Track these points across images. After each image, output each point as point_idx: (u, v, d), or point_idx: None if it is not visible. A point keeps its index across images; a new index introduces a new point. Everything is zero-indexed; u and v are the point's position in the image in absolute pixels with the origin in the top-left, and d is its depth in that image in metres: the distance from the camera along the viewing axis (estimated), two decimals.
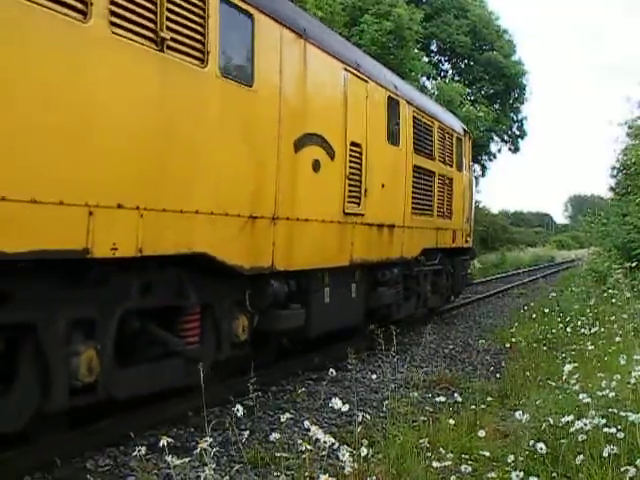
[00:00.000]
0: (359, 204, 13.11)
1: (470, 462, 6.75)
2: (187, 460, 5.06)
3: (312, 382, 11.77)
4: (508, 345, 14.57)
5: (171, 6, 7.81)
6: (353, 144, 12.79)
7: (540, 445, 6.01)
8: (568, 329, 14.09)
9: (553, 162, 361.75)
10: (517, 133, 61.43)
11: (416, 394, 8.71)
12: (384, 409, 9.28)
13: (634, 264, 17.01)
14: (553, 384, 9.40)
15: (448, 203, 19.49)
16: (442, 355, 14.94)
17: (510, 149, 60.28)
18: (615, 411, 6.58)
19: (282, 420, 6.05)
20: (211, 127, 8.71)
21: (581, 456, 5.87)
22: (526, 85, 59.73)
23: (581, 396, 6.86)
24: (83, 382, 7.08)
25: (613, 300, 15.09)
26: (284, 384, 11.48)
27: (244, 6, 9.36)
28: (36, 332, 6.65)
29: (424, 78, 48.39)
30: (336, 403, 5.83)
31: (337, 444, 5.33)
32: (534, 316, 17.70)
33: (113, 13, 6.95)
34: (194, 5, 8.23)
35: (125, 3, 7.12)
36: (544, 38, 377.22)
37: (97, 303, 7.42)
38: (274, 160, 10.15)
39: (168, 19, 7.79)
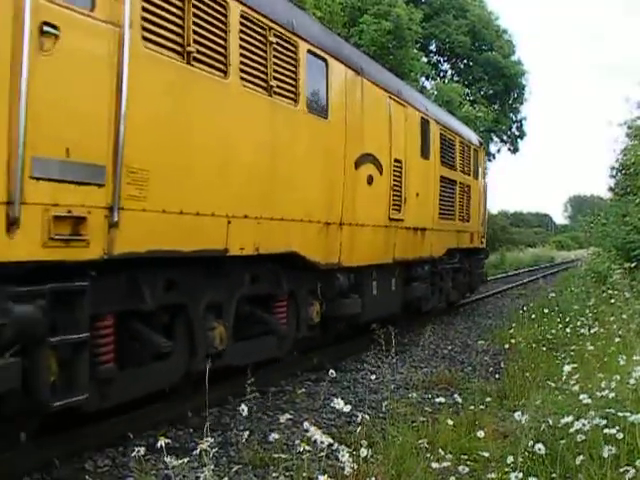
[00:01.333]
0: (400, 211, 15.53)
1: (469, 463, 6.76)
2: (186, 461, 5.06)
3: (311, 383, 11.76)
4: (507, 346, 14.55)
5: (276, 61, 10.37)
6: (396, 160, 15.27)
7: (539, 446, 6.00)
8: (567, 329, 14.09)
9: (553, 162, 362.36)
10: (516, 133, 61.45)
11: (415, 395, 8.73)
12: (383, 409, 9.28)
13: (634, 264, 17.03)
14: (552, 385, 9.39)
15: (467, 208, 22.08)
16: (441, 356, 14.94)
17: (510, 149, 60.32)
18: (614, 412, 6.57)
19: (281, 421, 6.05)
20: (301, 152, 11.17)
21: (580, 457, 5.86)
22: (525, 85, 59.79)
23: (581, 397, 6.85)
24: (216, 350, 9.35)
25: (613, 300, 15.07)
26: (283, 385, 11.48)
27: (321, 53, 11.96)
28: (187, 311, 8.92)
29: (423, 78, 48.42)
30: (338, 403, 5.83)
31: (336, 445, 5.33)
32: (533, 316, 17.69)
33: (242, 71, 9.42)
34: (291, 58, 10.88)
35: (249, 62, 9.65)
36: (544, 38, 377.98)
37: (224, 291, 9.76)
38: (341, 176, 12.63)
39: (275, 71, 10.29)
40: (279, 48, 10.52)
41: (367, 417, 6.82)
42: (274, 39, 10.34)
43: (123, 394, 7.93)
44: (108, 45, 7.00)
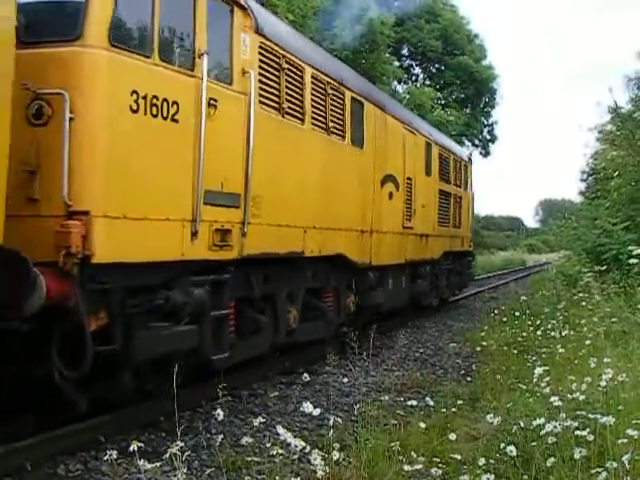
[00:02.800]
0: (410, 220, 19.05)
1: (441, 465, 6.76)
2: (158, 465, 5.05)
3: (284, 386, 11.77)
4: (479, 348, 14.62)
5: (332, 108, 13.68)
6: (408, 178, 18.83)
7: (511, 448, 6.03)
8: (538, 332, 14.16)
9: (524, 166, 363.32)
10: (488, 137, 61.66)
11: (387, 398, 8.75)
12: (355, 413, 9.27)
13: (604, 268, 17.13)
14: (524, 387, 9.44)
15: (459, 216, 25.85)
16: (413, 358, 14.98)
17: (481, 153, 60.49)
18: (585, 414, 6.61)
19: (254, 424, 6.04)
20: (346, 177, 14.44)
21: (552, 458, 5.89)
22: (497, 89, 60.07)
23: (552, 399, 6.90)
24: (291, 328, 12.38)
25: (583, 303, 15.16)
26: (255, 388, 11.47)
27: (360, 98, 15.30)
28: (274, 298, 11.89)
29: (395, 82, 48.48)
30: (308, 407, 5.83)
31: (309, 448, 5.33)
32: (505, 319, 17.76)
33: (312, 118, 12.75)
34: (340, 105, 14.17)
35: (316, 111, 12.97)
36: (515, 42, 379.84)
37: (296, 283, 12.77)
38: (371, 194, 15.99)
39: (330, 115, 13.59)
40: (333, 98, 13.82)
41: (339, 420, 6.83)
42: (330, 91, 13.67)
43: (237, 357, 10.51)
44: (241, 108, 10.14)
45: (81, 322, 7.41)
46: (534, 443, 6.54)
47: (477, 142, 60.55)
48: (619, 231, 21.15)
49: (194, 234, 8.95)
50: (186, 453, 5.36)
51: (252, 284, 11.00)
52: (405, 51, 55.41)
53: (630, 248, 15.37)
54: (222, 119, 9.51)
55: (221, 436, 6.70)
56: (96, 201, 7.59)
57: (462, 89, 55.55)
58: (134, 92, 8.01)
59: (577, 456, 5.72)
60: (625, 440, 5.84)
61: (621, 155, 26.25)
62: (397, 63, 50.73)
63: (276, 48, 11.45)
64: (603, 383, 7.41)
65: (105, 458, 5.46)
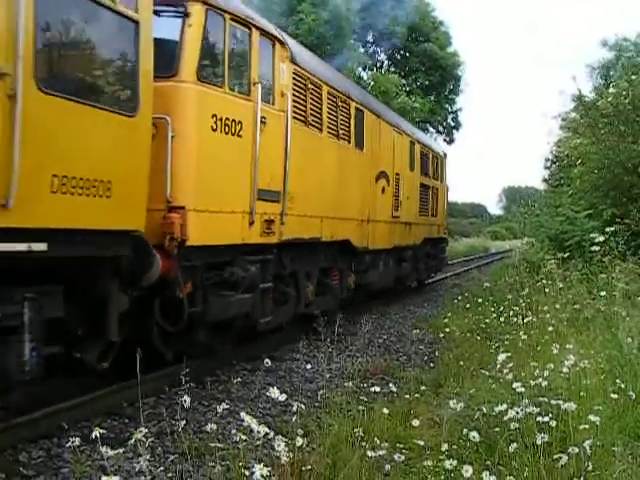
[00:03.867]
0: (398, 210, 21.85)
1: (404, 451, 6.81)
2: (121, 451, 5.01)
3: (247, 372, 11.76)
4: (442, 335, 14.67)
5: (341, 117, 16.42)
6: (396, 174, 21.66)
7: (474, 434, 6.05)
8: (501, 319, 14.23)
9: (488, 153, 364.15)
10: (452, 124, 61.72)
11: (351, 384, 8.73)
12: (319, 399, 9.29)
13: (566, 255, 17.22)
14: (487, 373, 9.49)
15: (435, 206, 28.61)
16: (377, 345, 15.01)
17: (445, 140, 60.51)
18: (547, 400, 6.65)
19: (217, 410, 6.02)
20: (351, 175, 17.17)
21: (514, 444, 5.92)
22: (461, 76, 60.11)
23: (514, 385, 6.93)
24: (309, 300, 14.92)
25: (546, 290, 15.23)
26: (219, 374, 11.44)
27: (361, 107, 18.12)
28: (297, 275, 14.45)
29: (360, 69, 48.47)
30: (273, 393, 5.82)
31: (272, 434, 5.32)
32: (468, 306, 17.84)
33: (327, 128, 15.53)
34: (346, 114, 16.90)
35: (330, 121, 15.69)
36: (479, 29, 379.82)
37: (312, 264, 15.35)
38: (369, 188, 18.89)
39: (340, 123, 16.35)
40: (342, 108, 16.58)
41: (303, 406, 6.82)
42: (340, 103, 16.43)
43: (273, 322, 12.99)
44: (281, 123, 12.89)
45: (179, 290, 9.95)
46: (497, 429, 6.58)
47: (441, 129, 60.64)
48: (582, 219, 21.29)
49: (251, 223, 11.79)
50: (149, 439, 5.33)
51: (284, 263, 13.63)
52: (370, 37, 55.35)
53: (592, 235, 15.47)
54: (269, 133, 12.22)
55: (184, 422, 6.68)
56: (189, 198, 10.11)
57: (427, 76, 55.50)
58: (214, 115, 10.67)
59: (539, 442, 5.76)
60: (587, 426, 5.89)
61: (584, 143, 26.36)
62: (362, 49, 50.74)
63: (304, 72, 14.25)
64: (565, 369, 7.47)
65: (68, 445, 5.44)
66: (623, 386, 7.48)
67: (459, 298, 19.81)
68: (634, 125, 22.11)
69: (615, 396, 7.16)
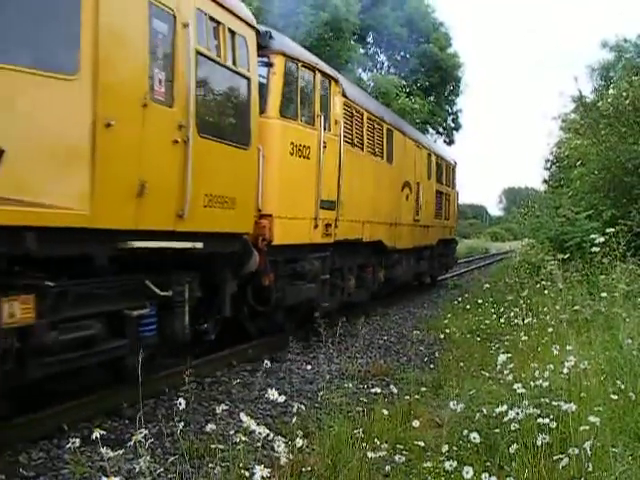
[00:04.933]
0: (418, 214, 24.69)
1: (404, 452, 6.80)
2: (121, 452, 5.01)
3: (247, 373, 11.75)
4: (442, 336, 14.66)
5: (376, 137, 19.50)
6: (417, 183, 24.56)
7: (474, 435, 6.05)
8: (502, 320, 14.24)
9: (488, 154, 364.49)
10: (452, 125, 61.72)
11: (351, 385, 8.72)
12: (319, 400, 9.29)
13: (567, 256, 17.19)
14: (487, 374, 9.49)
15: (448, 210, 31.62)
16: (377, 346, 15.00)
17: (445, 141, 60.50)
18: (548, 401, 6.65)
19: (217, 412, 6.02)
20: (383, 185, 20.13)
21: (514, 445, 5.92)
22: (461, 78, 60.11)
23: (515, 386, 6.92)
24: (351, 291, 17.78)
25: (546, 291, 15.23)
26: (219, 375, 11.44)
27: (392, 128, 21.24)
28: (342, 270, 17.11)
29: (360, 70, 48.46)
30: (272, 394, 5.81)
31: (272, 435, 5.32)
32: (468, 307, 17.86)
33: (367, 147, 18.53)
34: (380, 134, 19.93)
35: (369, 141, 18.76)
36: (479, 30, 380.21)
37: (353, 260, 17.87)
38: (396, 196, 21.88)
39: (376, 143, 19.48)
40: (377, 130, 19.71)
41: (303, 407, 6.83)
42: (376, 126, 19.61)
43: (329, 307, 15.99)
44: (336, 145, 15.86)
45: (266, 279, 12.90)
46: (497, 430, 6.57)
47: (441, 130, 60.63)
48: (582, 220, 21.28)
49: (315, 227, 14.73)
50: (149, 441, 5.33)
51: (335, 260, 16.24)
52: (370, 38, 55.34)
53: (593, 236, 15.43)
54: (328, 154, 15.20)
55: (183, 423, 6.68)
56: (274, 208, 13.06)
57: (427, 77, 55.47)
58: (291, 143, 13.79)
59: (540, 443, 5.76)
60: (587, 427, 5.88)
61: (584, 144, 26.39)
62: (362, 51, 50.72)
63: (351, 103, 17.36)
64: (565, 370, 7.45)
65: (68, 446, 5.42)
66: (623, 387, 7.48)
67: (459, 299, 19.82)
68: (634, 126, 22.14)
69: (615, 397, 7.15)
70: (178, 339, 10.18)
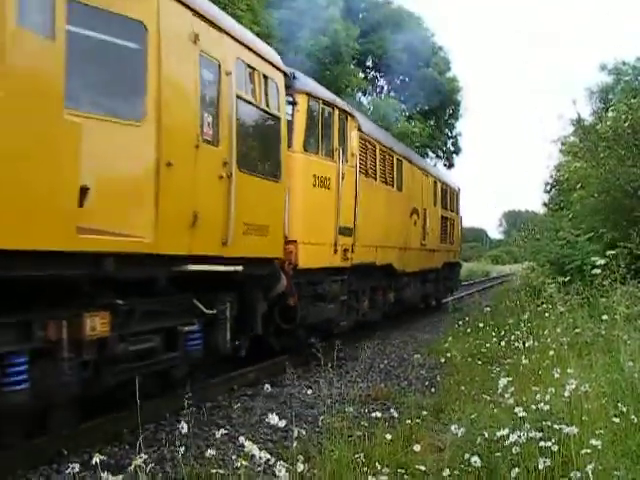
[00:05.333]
0: (425, 239, 26.05)
1: (406, 476, 6.77)
2: (121, 477, 4.99)
3: (247, 398, 11.71)
4: (443, 359, 14.63)
5: (387, 167, 21.00)
6: (424, 209, 26.02)
7: (475, 458, 6.04)
8: (502, 343, 14.21)
9: (488, 178, 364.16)
10: (452, 149, 61.95)
11: (352, 409, 8.70)
12: (320, 424, 9.26)
13: (567, 278, 17.21)
14: (488, 398, 9.46)
15: (452, 235, 32.77)
16: (378, 370, 14.95)
17: (445, 165, 60.75)
18: (549, 424, 6.63)
19: (217, 436, 6.00)
20: (394, 212, 21.58)
21: (516, 469, 5.90)
22: (460, 101, 60.35)
23: (516, 409, 6.91)
24: (365, 311, 19.18)
25: (547, 314, 15.22)
26: (219, 400, 11.40)
27: (401, 158, 22.83)
28: (357, 292, 18.43)
29: (360, 94, 48.59)
30: (273, 418, 5.80)
31: (273, 460, 5.30)
32: (469, 330, 17.82)
33: (380, 177, 20.23)
34: (391, 164, 21.42)
35: (381, 173, 20.20)
36: (478, 55, 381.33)
37: (366, 283, 19.21)
38: (405, 222, 23.33)
39: (387, 172, 20.99)
40: (388, 160, 21.30)
41: (304, 432, 6.81)
42: (387, 157, 21.20)
43: (346, 326, 17.54)
44: (352, 176, 17.13)
45: (292, 300, 14.01)
46: (498, 454, 6.55)
47: (441, 154, 60.82)
48: (582, 242, 21.30)
49: (335, 252, 16.04)
50: (150, 465, 5.31)
51: (351, 282, 17.48)
52: (370, 63, 55.54)
53: (593, 259, 15.46)
54: (345, 184, 16.51)
55: (184, 448, 6.65)
56: (299, 234, 14.25)
57: (426, 101, 55.68)
58: (314, 175, 15.18)
59: (541, 466, 5.75)
60: (589, 450, 5.87)
61: (584, 167, 26.44)
62: (361, 75, 50.89)
63: (366, 137, 18.90)
64: (567, 394, 7.45)
65: (68, 471, 5.40)
66: (625, 410, 7.46)
67: (460, 322, 19.78)
68: (633, 149, 22.17)
69: (617, 420, 7.14)
70: (221, 352, 11.50)
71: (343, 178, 16.23)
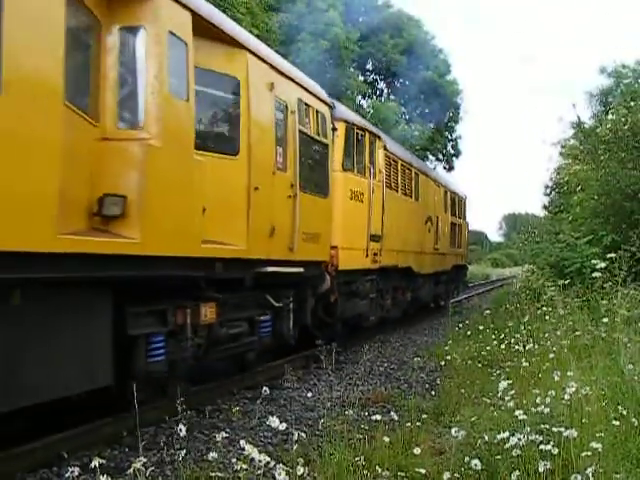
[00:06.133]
0: (437, 244, 28.84)
1: (406, 479, 6.75)
2: None
3: (247, 401, 11.70)
4: (443, 362, 14.62)
5: (407, 180, 24.16)
6: (436, 216, 28.81)
7: (475, 461, 6.03)
8: (502, 346, 14.19)
9: (488, 180, 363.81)
10: (452, 152, 61.95)
11: (352, 412, 8.69)
12: (320, 427, 9.25)
13: (567, 281, 17.18)
14: (488, 401, 9.45)
15: (460, 239, 35.71)
16: (378, 373, 14.94)
17: (445, 167, 60.75)
18: (549, 427, 6.62)
19: (217, 439, 5.99)
20: (412, 220, 24.48)
21: (516, 472, 5.89)
22: (460, 104, 60.37)
23: (516, 412, 6.89)
24: (389, 308, 21.92)
25: (547, 317, 15.21)
26: (219, 403, 11.39)
27: (418, 172, 25.64)
28: (382, 291, 20.99)
29: (359, 97, 48.60)
30: (273, 422, 5.79)
31: (273, 463, 5.29)
32: (469, 333, 17.81)
33: (401, 190, 23.26)
34: (411, 178, 24.67)
35: (402, 186, 23.33)
36: (477, 58, 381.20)
37: (390, 283, 21.86)
38: (421, 229, 26.02)
39: (407, 186, 24.09)
40: (407, 174, 24.21)
41: (304, 435, 6.79)
42: (407, 171, 24.06)
43: (374, 321, 20.14)
44: (380, 190, 19.94)
45: (334, 297, 16.60)
46: (499, 457, 6.54)
47: (441, 157, 60.84)
48: (582, 245, 21.28)
49: (366, 255, 18.71)
50: (149, 469, 5.31)
51: (378, 282, 20.04)
52: (369, 66, 55.56)
53: (593, 262, 15.42)
54: (375, 198, 19.31)
55: (184, 451, 6.65)
56: (339, 241, 16.73)
57: (426, 104, 55.71)
58: (350, 190, 17.76)
59: (541, 469, 5.73)
60: (589, 453, 5.86)
61: (584, 170, 26.44)
62: (361, 78, 50.90)
63: (390, 155, 21.88)
64: (567, 396, 7.43)
65: (67, 475, 5.39)
66: (625, 413, 7.45)
67: (460, 325, 19.76)
68: (633, 151, 22.17)
69: (617, 423, 7.12)
70: (285, 339, 14.17)
71: (373, 192, 19.10)
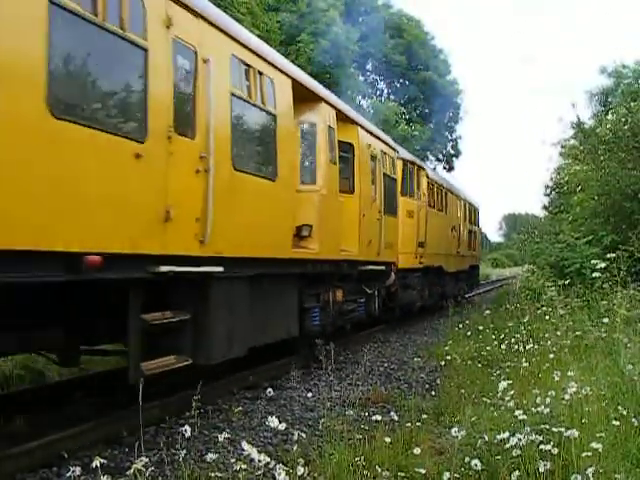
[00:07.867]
0: (459, 247, 34.50)
1: (406, 479, 6.75)
2: None
3: (248, 401, 11.69)
4: (443, 362, 14.61)
5: (440, 201, 30.89)
6: (459, 225, 34.73)
7: (475, 461, 6.03)
8: (503, 346, 14.18)
9: (487, 181, 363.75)
10: (452, 152, 61.94)
11: (352, 412, 8.69)
12: (320, 427, 9.24)
13: (567, 281, 17.18)
14: (488, 401, 9.44)
15: (474, 243, 40.96)
16: (378, 373, 14.92)
17: (445, 168, 60.84)
18: (549, 427, 6.62)
19: (218, 439, 5.98)
20: (443, 229, 31.09)
21: (516, 472, 5.90)
22: (460, 104, 60.37)
23: (516, 412, 6.89)
24: (427, 298, 28.26)
25: (547, 317, 15.20)
26: (220, 403, 11.37)
27: (447, 191, 32.59)
28: (424, 285, 27.42)
29: (360, 97, 48.58)
30: (273, 422, 5.79)
31: (273, 463, 5.29)
32: (469, 334, 17.78)
33: (437, 206, 29.77)
34: (441, 196, 31.28)
35: (437, 204, 29.91)
36: (478, 59, 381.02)
37: (427, 278, 27.82)
38: (449, 236, 32.36)
39: (439, 203, 30.54)
40: (439, 193, 30.30)
41: (304, 435, 6.79)
42: (438, 190, 29.88)
43: (419, 306, 27.11)
44: (424, 209, 26.82)
45: (395, 288, 22.67)
46: (499, 457, 6.54)
47: (441, 157, 60.85)
48: (582, 245, 21.29)
49: (415, 257, 24.75)
50: (150, 469, 5.30)
51: (422, 278, 25.77)
52: (370, 66, 55.54)
53: (593, 262, 15.43)
54: (420, 214, 25.44)
55: (184, 451, 6.64)
56: (400, 247, 22.68)
57: (426, 104, 55.72)
58: (407, 210, 24.19)
59: (542, 469, 5.74)
60: (589, 453, 5.86)
61: (584, 170, 26.47)
62: (362, 78, 50.89)
63: (430, 180, 27.69)
64: (567, 397, 7.44)
65: (68, 475, 5.39)
66: (625, 413, 7.45)
67: (460, 326, 19.74)
68: (633, 151, 22.17)
69: (617, 423, 7.12)
70: (373, 315, 20.05)
71: (420, 210, 25.74)
